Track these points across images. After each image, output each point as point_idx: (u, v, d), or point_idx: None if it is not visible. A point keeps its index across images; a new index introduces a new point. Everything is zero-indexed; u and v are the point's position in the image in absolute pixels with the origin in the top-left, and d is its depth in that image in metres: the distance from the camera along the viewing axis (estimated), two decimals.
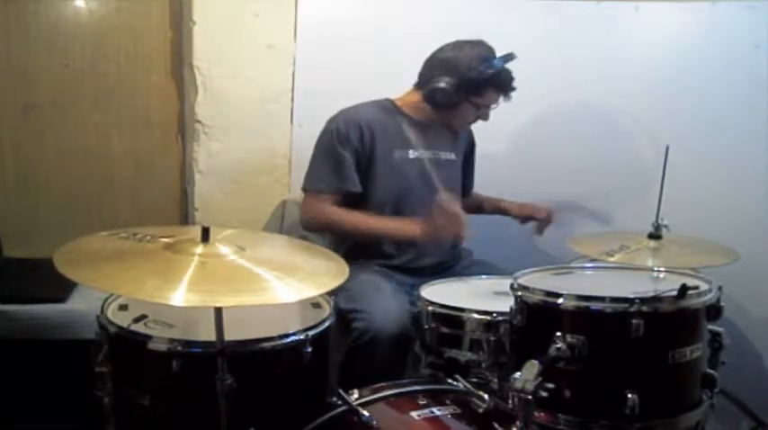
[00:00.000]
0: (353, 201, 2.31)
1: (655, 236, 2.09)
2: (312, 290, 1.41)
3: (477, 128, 2.53)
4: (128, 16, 2.74)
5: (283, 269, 1.43)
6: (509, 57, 2.29)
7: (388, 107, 2.39)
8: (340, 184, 2.27)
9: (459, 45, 2.31)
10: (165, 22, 2.75)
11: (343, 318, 2.05)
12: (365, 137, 2.28)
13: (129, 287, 1.32)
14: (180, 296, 1.28)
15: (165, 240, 1.47)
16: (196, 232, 1.45)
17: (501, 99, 2.35)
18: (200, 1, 2.59)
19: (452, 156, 2.45)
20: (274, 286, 1.36)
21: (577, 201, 2.73)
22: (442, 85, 2.27)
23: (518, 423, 1.39)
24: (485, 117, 2.39)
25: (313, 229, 2.37)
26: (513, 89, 2.34)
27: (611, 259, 2.01)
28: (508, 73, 2.31)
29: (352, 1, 2.73)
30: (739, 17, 2.68)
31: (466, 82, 2.27)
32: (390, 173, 2.32)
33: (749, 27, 2.68)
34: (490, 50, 2.30)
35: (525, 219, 2.57)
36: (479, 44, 2.31)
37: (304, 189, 2.32)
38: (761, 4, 2.66)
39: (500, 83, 2.31)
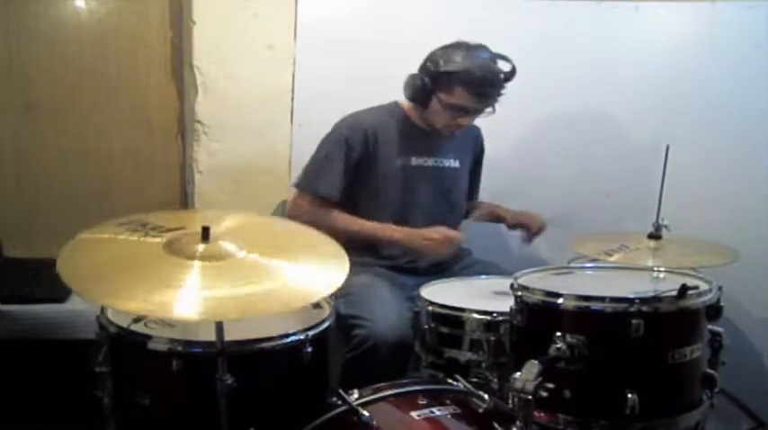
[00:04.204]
0: (360, 204, 2.32)
1: (655, 236, 2.10)
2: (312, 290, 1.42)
3: None
4: (128, 17, 2.73)
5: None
6: (492, 56, 2.19)
7: (395, 112, 2.38)
8: (314, 185, 2.29)
9: (451, 44, 2.24)
10: (165, 23, 2.75)
11: (342, 323, 2.04)
12: (369, 142, 2.29)
13: (132, 303, 1.32)
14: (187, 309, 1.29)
15: (170, 235, 1.46)
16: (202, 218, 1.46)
17: (476, 103, 2.21)
18: (200, 1, 2.59)
19: (456, 164, 2.43)
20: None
21: (578, 200, 2.73)
22: (412, 79, 2.25)
23: (518, 423, 1.39)
24: (463, 122, 2.27)
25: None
26: (488, 93, 2.20)
27: (611, 259, 2.02)
28: (482, 73, 2.17)
29: (352, 1, 2.73)
30: (739, 17, 2.68)
31: (433, 76, 2.22)
32: (392, 179, 2.32)
33: (749, 27, 2.67)
34: (477, 50, 2.20)
35: (516, 226, 2.52)
36: (469, 45, 2.21)
37: (295, 185, 2.35)
38: (761, 4, 2.66)
39: (466, 80, 2.16)
